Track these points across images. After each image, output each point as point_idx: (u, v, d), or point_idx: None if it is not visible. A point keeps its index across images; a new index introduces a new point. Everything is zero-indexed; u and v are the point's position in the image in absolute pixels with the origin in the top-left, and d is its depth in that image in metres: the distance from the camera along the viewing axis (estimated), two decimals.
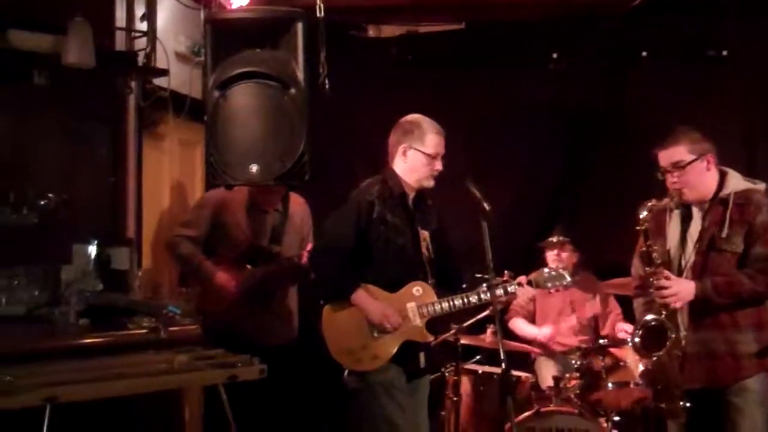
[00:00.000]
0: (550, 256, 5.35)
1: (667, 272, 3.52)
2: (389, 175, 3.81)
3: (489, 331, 4.84)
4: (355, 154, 5.53)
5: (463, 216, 3.72)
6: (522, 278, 3.80)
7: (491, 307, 3.73)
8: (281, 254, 4.52)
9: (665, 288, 3.49)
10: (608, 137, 5.70)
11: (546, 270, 3.87)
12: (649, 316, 3.54)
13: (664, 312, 3.52)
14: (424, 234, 3.83)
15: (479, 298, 3.71)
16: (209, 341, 3.69)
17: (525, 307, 5.47)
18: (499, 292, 3.70)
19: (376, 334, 3.66)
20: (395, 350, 3.67)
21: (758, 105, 5.46)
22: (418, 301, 3.70)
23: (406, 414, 3.70)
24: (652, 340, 3.51)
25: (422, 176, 3.77)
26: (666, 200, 3.61)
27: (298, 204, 4.67)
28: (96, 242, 4.06)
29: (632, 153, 5.35)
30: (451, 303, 3.71)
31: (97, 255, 4.06)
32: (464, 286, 3.80)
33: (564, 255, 5.36)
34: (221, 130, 3.56)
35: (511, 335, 5.39)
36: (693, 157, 3.55)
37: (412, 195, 3.82)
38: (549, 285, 3.85)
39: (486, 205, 3.49)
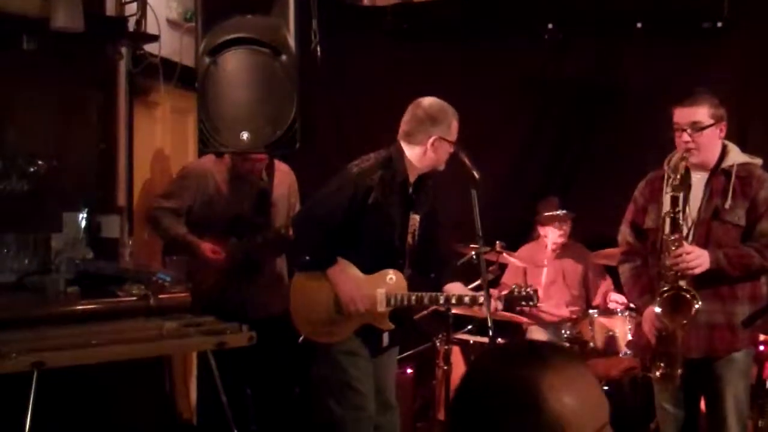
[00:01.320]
0: (551, 230, 5.33)
1: (685, 241, 3.46)
2: (397, 157, 3.72)
3: (481, 300, 4.81)
4: (348, 124, 5.50)
5: (453, 185, 3.70)
6: (493, 294, 3.76)
7: (482, 278, 3.68)
8: (268, 225, 4.51)
9: (688, 254, 3.41)
10: (603, 108, 5.66)
11: (516, 289, 3.83)
12: (681, 283, 3.45)
13: (679, 281, 3.45)
14: (415, 219, 3.81)
15: (445, 303, 3.74)
16: (200, 310, 3.69)
17: (516, 280, 5.45)
18: (466, 300, 3.73)
19: (338, 313, 3.68)
20: (352, 331, 3.71)
21: (753, 78, 5.42)
22: (389, 288, 3.69)
23: (369, 380, 3.73)
24: (671, 308, 3.47)
25: (441, 162, 3.74)
26: (665, 167, 3.56)
27: (283, 173, 4.64)
28: (86, 210, 4.04)
29: (626, 124, 5.36)
30: (420, 299, 3.72)
31: (88, 223, 4.04)
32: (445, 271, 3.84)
33: (566, 229, 5.36)
34: (212, 97, 3.54)
35: None
36: (712, 121, 3.50)
37: (413, 177, 3.78)
38: (517, 306, 3.86)
39: (476, 173, 3.48)
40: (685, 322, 3.43)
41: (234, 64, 3.49)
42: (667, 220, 3.46)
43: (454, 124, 3.69)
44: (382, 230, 3.68)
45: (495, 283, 5.36)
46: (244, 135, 3.51)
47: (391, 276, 3.71)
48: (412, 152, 3.71)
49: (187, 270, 4.38)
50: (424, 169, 3.74)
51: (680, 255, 3.41)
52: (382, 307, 3.69)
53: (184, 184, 4.49)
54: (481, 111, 5.64)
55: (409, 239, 3.78)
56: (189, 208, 4.48)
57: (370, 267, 3.70)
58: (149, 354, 3.08)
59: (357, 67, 5.28)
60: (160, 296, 3.43)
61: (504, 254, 4.95)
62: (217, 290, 4.35)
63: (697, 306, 3.40)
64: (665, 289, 3.47)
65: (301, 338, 3.78)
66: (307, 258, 3.76)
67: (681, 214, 3.47)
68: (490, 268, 4.71)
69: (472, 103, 5.61)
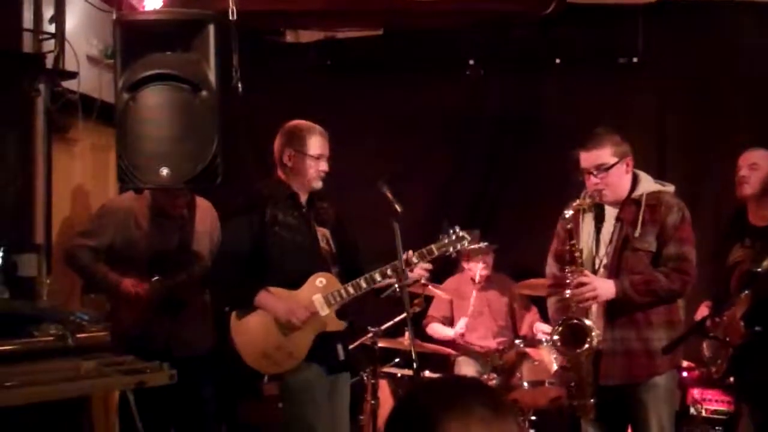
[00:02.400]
0: (474, 265, 5.40)
1: (586, 271, 3.58)
2: (278, 180, 3.85)
3: (407, 334, 4.83)
4: (272, 158, 5.50)
5: (376, 218, 3.74)
6: (408, 253, 3.76)
7: (405, 311, 3.70)
8: (191, 262, 4.47)
9: (585, 285, 3.53)
10: (524, 142, 5.81)
11: (444, 236, 3.84)
12: (570, 316, 3.58)
13: (580, 311, 3.57)
14: (323, 231, 3.86)
15: (383, 275, 3.71)
16: (121, 350, 3.63)
17: (442, 312, 5.53)
18: (411, 276, 3.75)
19: (287, 333, 3.67)
20: (310, 344, 3.68)
21: (668, 109, 5.63)
22: (323, 291, 3.70)
23: (324, 414, 3.71)
24: (570, 338, 3.57)
25: (310, 178, 3.80)
26: (578, 201, 3.67)
27: (204, 209, 4.62)
28: (2, 248, 3.95)
29: (548, 158, 5.49)
30: (356, 285, 3.73)
31: (3, 262, 3.95)
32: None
33: (489, 261, 5.44)
34: (131, 133, 3.53)
35: (430, 340, 5.44)
36: (615, 159, 3.62)
37: (304, 197, 3.85)
38: (453, 246, 3.83)
39: (397, 207, 3.54)
40: (580, 351, 3.52)
41: (153, 100, 3.50)
42: (566, 253, 3.59)
43: (314, 139, 3.79)
44: (290, 239, 3.71)
45: (421, 315, 5.42)
46: (164, 171, 3.50)
47: (321, 279, 3.73)
48: (282, 173, 3.83)
49: (107, 308, 4.32)
50: (301, 186, 3.81)
51: (578, 286, 3.53)
52: (324, 311, 3.70)
53: (104, 222, 4.43)
54: (405, 145, 5.77)
55: (324, 245, 3.82)
56: (109, 246, 4.41)
57: (296, 281, 3.70)
58: (67, 395, 3.01)
59: (280, 102, 5.30)
60: (78, 336, 3.35)
61: (429, 287, 5.00)
62: (140, 328, 4.28)
63: (594, 334, 3.50)
64: (560, 321, 3.60)
65: (264, 378, 3.73)
66: (230, 295, 3.77)
67: (578, 247, 3.58)
68: (415, 301, 4.76)
69: (396, 137, 5.75)
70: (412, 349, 3.54)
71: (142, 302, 4.31)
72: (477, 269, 5.39)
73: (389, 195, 3.61)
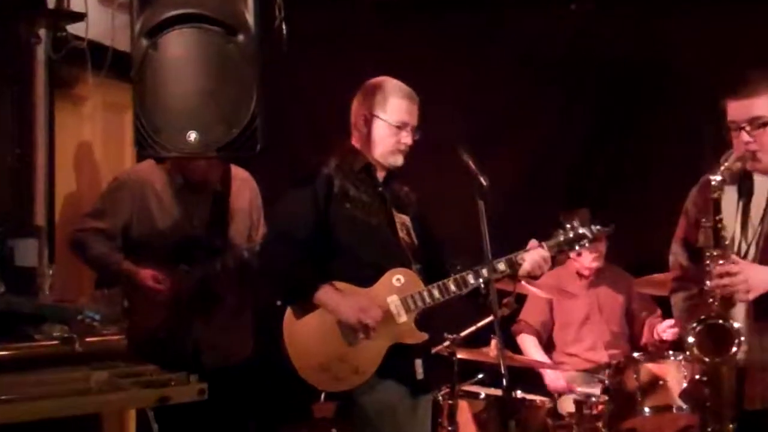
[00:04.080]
0: (583, 251, 5.35)
1: (734, 256, 3.47)
2: (348, 147, 3.87)
3: (494, 343, 4.85)
4: (325, 118, 5.51)
5: (455, 196, 3.75)
6: (532, 242, 3.82)
7: (493, 314, 3.70)
8: (226, 247, 4.54)
9: (733, 274, 3.41)
10: (646, 95, 5.74)
11: (561, 231, 3.86)
12: (709, 314, 3.46)
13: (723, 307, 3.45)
14: (402, 218, 3.88)
15: (477, 277, 3.72)
16: (139, 357, 3.70)
17: (538, 319, 5.55)
18: (501, 266, 3.75)
19: (353, 340, 3.68)
20: (381, 358, 3.69)
21: None
22: (401, 292, 3.72)
23: None
24: (709, 342, 3.46)
25: (386, 150, 3.82)
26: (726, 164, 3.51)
27: (242, 182, 4.69)
28: None
29: (676, 115, 5.41)
30: (443, 288, 3.73)
31: None
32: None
33: (602, 249, 5.40)
34: (151, 89, 3.56)
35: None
36: None
37: (382, 174, 3.88)
38: (570, 246, 3.88)
39: (483, 180, 3.51)
40: (722, 358, 3.42)
41: (178, 47, 3.53)
42: (709, 231, 3.47)
43: (397, 102, 3.80)
44: (363, 220, 3.75)
45: (511, 320, 5.42)
46: (192, 135, 3.53)
47: (398, 276, 3.75)
48: (358, 141, 3.85)
49: (124, 306, 4.39)
50: (379, 160, 3.83)
51: (725, 274, 3.42)
52: (401, 317, 3.71)
53: (118, 199, 4.52)
54: (491, 101, 5.72)
55: (404, 235, 3.84)
56: (125, 229, 4.51)
57: (367, 276, 3.73)
58: (73, 412, 3.07)
59: (333, 49, 5.32)
60: (88, 339, 3.42)
61: (522, 282, 4.97)
62: (164, 332, 4.39)
63: (739, 341, 3.39)
64: (700, 318, 3.47)
65: (321, 397, 3.89)
66: (284, 287, 3.79)
67: (723, 223, 3.46)
68: (504, 301, 4.69)
69: (479, 91, 5.69)
70: (501, 363, 3.53)
71: (166, 299, 4.41)
72: (586, 260, 5.36)
73: (471, 164, 3.58)
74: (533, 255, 3.81)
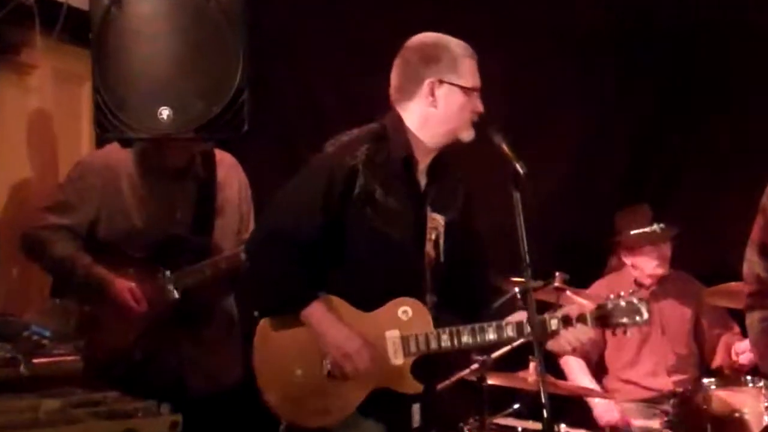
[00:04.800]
0: (642, 260, 5.39)
1: None
2: (392, 127, 3.75)
3: (532, 366, 4.79)
4: (327, 91, 5.56)
5: (486, 186, 3.74)
6: (571, 309, 3.74)
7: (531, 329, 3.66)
8: (213, 248, 4.53)
9: None
10: (723, 70, 5.73)
11: (613, 298, 3.77)
12: None
13: None
14: (436, 221, 3.81)
15: (499, 335, 3.68)
16: (101, 382, 3.68)
17: None
18: (528, 330, 3.65)
19: (332, 376, 3.66)
20: (359, 402, 3.67)
21: None
22: (405, 328, 3.67)
23: None
24: None
25: (460, 124, 3.72)
26: None
27: (229, 167, 4.67)
28: None
29: (757, 94, 5.36)
30: (454, 338, 3.68)
31: None
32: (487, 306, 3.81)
33: (666, 253, 5.37)
34: (114, 56, 3.58)
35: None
36: None
37: (426, 161, 3.79)
38: (620, 321, 3.75)
39: (520, 167, 3.47)
40: None
41: (147, 4, 3.55)
42: None
43: (467, 63, 3.72)
44: (383, 231, 3.67)
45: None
46: (164, 113, 3.55)
47: (406, 309, 3.68)
48: (409, 116, 3.73)
49: (85, 317, 4.35)
50: (436, 141, 3.75)
51: None
52: (397, 359, 3.65)
53: (83, 188, 4.49)
54: (530, 77, 5.71)
55: (429, 249, 3.77)
56: (91, 226, 4.48)
57: (370, 297, 3.68)
58: None
59: (336, 9, 5.29)
60: (36, 361, 3.42)
61: (568, 293, 4.94)
62: (140, 351, 4.38)
63: None
64: None
65: (282, 426, 3.72)
66: (271, 296, 3.75)
67: None
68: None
69: (516, 65, 5.68)
70: (542, 390, 3.50)
71: (146, 311, 4.39)
72: (647, 266, 5.33)
73: (506, 149, 3.53)
74: (577, 334, 3.70)
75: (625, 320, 3.72)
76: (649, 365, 5.41)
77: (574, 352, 4.12)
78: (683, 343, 5.45)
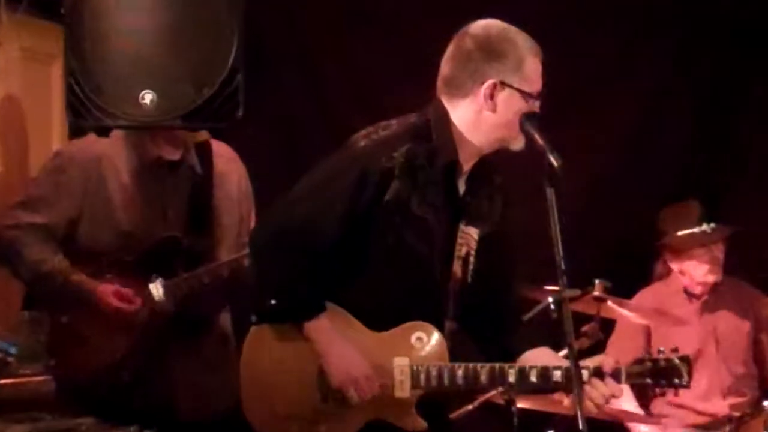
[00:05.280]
0: (692, 265, 5.37)
1: None
2: (437, 123, 3.72)
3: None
4: (331, 75, 5.53)
5: (515, 182, 3.74)
6: (604, 361, 3.70)
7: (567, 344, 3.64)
8: (212, 251, 4.54)
9: None
10: None
11: (652, 356, 3.76)
12: None
13: None
14: (468, 237, 3.79)
15: (521, 377, 3.64)
16: (74, 405, 3.67)
17: (630, 354, 5.39)
18: (557, 374, 3.63)
19: (328, 401, 3.67)
20: (357, 429, 3.69)
21: None
22: (416, 358, 3.66)
23: None
24: None
25: (513, 133, 3.68)
26: None
27: (228, 160, 4.69)
28: None
29: None
30: (470, 377, 3.65)
31: None
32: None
33: (719, 257, 5.34)
34: (90, 32, 3.55)
35: None
36: None
37: (469, 165, 3.76)
38: (657, 381, 3.75)
39: (554, 159, 3.41)
40: None
41: None
42: None
43: (533, 64, 3.68)
44: (410, 245, 3.65)
45: (593, 352, 5.34)
46: (147, 97, 3.53)
47: (420, 335, 3.68)
48: (460, 114, 3.69)
49: (60, 332, 4.34)
50: (486, 145, 3.72)
51: None
52: (403, 391, 3.64)
53: (62, 182, 4.48)
54: (566, 48, 5.66)
55: (456, 268, 3.76)
56: (71, 226, 4.47)
57: (383, 316, 3.68)
58: None
59: None
60: (1, 382, 3.43)
61: (609, 303, 4.92)
62: (127, 372, 4.36)
63: None
64: None
65: None
66: (273, 302, 3.72)
67: None
68: (584, 329, 4.70)
69: (551, 44, 5.64)
70: (579, 415, 3.47)
71: (132, 324, 4.38)
72: (697, 272, 5.30)
73: (538, 139, 3.51)
74: (603, 391, 3.64)
75: (663, 382, 3.72)
76: (701, 386, 5.37)
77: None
78: (740, 360, 5.45)
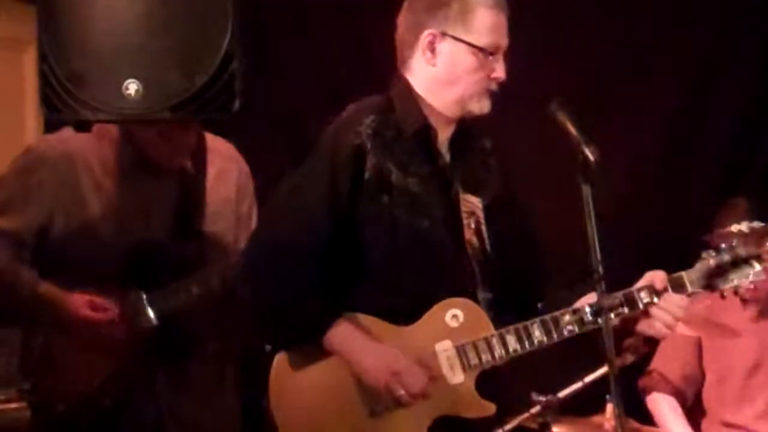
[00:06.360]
0: None
1: None
2: (399, 93, 3.78)
3: (609, 408, 4.74)
4: (335, 56, 5.53)
5: (546, 177, 3.64)
6: (656, 277, 3.70)
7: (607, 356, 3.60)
8: (201, 258, 4.50)
9: None
10: None
11: (703, 263, 3.77)
12: None
13: None
14: (472, 205, 3.80)
15: (580, 323, 3.65)
16: None
17: (679, 370, 5.48)
18: (615, 299, 3.64)
19: (378, 410, 3.63)
20: None
21: None
22: (458, 336, 3.67)
23: None
24: None
25: (470, 91, 3.71)
26: None
27: (225, 158, 4.67)
28: None
29: None
30: (524, 336, 3.66)
31: None
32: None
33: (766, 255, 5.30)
34: (67, 15, 3.55)
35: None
36: None
37: (447, 131, 3.79)
38: (721, 284, 3.77)
39: (590, 152, 3.39)
40: None
41: None
42: None
43: (484, 15, 3.68)
44: (409, 228, 3.67)
45: (637, 371, 5.37)
46: (132, 87, 3.52)
47: (455, 312, 3.68)
48: (416, 78, 3.76)
49: (35, 354, 4.33)
50: (449, 109, 3.74)
51: None
52: (456, 376, 3.65)
53: (32, 184, 4.45)
54: (603, 30, 5.69)
55: (470, 236, 3.77)
56: (42, 232, 4.43)
57: (407, 308, 3.69)
58: None
59: None
60: None
61: None
62: (109, 397, 4.32)
63: None
64: None
65: None
66: (283, 325, 3.73)
67: None
68: (627, 343, 4.63)
69: (584, 20, 5.64)
70: (617, 424, 3.46)
71: (112, 342, 4.34)
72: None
73: (573, 130, 3.47)
74: (669, 305, 3.69)
75: (733, 278, 3.75)
76: (760, 404, 5.36)
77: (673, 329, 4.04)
78: None
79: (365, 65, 3.87)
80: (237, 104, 3.53)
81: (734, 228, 5.16)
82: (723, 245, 3.76)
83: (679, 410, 5.44)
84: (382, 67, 3.87)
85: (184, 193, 4.53)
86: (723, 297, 3.88)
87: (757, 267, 3.77)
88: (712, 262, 3.75)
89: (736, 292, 3.81)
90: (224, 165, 4.64)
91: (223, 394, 4.58)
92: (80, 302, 4.29)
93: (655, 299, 3.67)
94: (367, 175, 3.63)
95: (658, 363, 5.47)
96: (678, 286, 3.70)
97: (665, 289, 3.67)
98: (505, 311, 3.74)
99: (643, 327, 3.72)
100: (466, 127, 3.81)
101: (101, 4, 3.52)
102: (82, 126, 3.69)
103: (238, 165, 4.71)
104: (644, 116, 5.75)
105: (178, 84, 3.50)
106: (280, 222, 3.74)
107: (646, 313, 3.68)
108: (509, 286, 3.82)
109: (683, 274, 3.71)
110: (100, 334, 4.29)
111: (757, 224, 5.15)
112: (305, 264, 3.62)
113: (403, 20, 3.77)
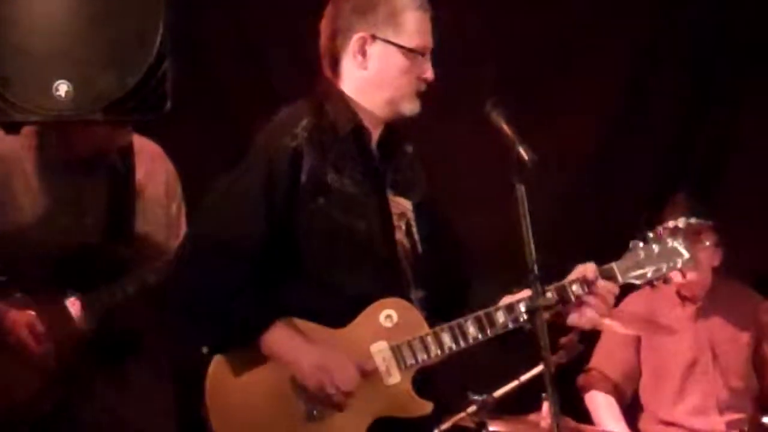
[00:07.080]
0: None
1: None
2: (329, 96, 3.79)
3: (546, 406, 4.77)
4: (273, 52, 5.53)
5: (483, 178, 3.67)
6: (587, 269, 3.71)
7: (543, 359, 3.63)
8: (136, 260, 4.50)
9: None
10: None
11: (633, 253, 3.79)
12: None
13: None
14: (401, 205, 3.82)
15: (512, 314, 3.65)
16: None
17: (617, 367, 5.55)
18: (549, 296, 3.59)
19: (315, 413, 3.63)
20: None
21: None
22: (393, 336, 3.66)
23: None
24: None
25: (401, 92, 3.74)
26: None
27: (153, 157, 4.66)
28: None
29: None
30: (459, 333, 3.66)
31: None
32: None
33: (716, 258, 5.37)
34: None
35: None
36: None
37: (376, 133, 3.81)
38: (656, 267, 3.80)
39: (524, 152, 3.43)
40: None
41: None
42: None
43: (412, 17, 3.72)
44: (345, 230, 3.67)
45: (575, 369, 5.44)
46: (62, 88, 3.49)
47: (389, 312, 3.67)
48: (346, 81, 3.78)
49: None
50: (379, 110, 3.76)
51: None
52: (393, 376, 3.65)
53: None
54: (539, 31, 5.72)
55: (401, 237, 3.79)
56: None
57: (341, 309, 3.68)
58: None
59: None
60: None
61: None
62: (48, 401, 4.35)
63: None
64: None
65: None
66: (217, 327, 3.69)
67: None
68: (563, 341, 4.68)
69: (519, 14, 5.67)
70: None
71: (48, 350, 4.34)
72: (689, 273, 5.31)
73: (507, 130, 3.51)
74: (596, 291, 3.71)
75: (662, 266, 3.79)
76: (696, 401, 5.43)
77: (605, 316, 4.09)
78: (739, 373, 5.46)
79: (299, 67, 3.87)
80: (168, 104, 3.53)
81: (671, 224, 5.24)
82: (651, 235, 3.79)
83: (617, 408, 5.48)
84: (317, 70, 3.89)
85: (115, 191, 4.52)
86: (652, 286, 3.93)
87: (686, 255, 3.80)
88: (641, 252, 3.78)
89: (665, 281, 3.85)
90: (152, 165, 4.65)
91: (161, 393, 4.58)
92: (19, 321, 4.30)
93: (587, 290, 3.70)
94: (303, 177, 3.63)
95: (597, 361, 5.51)
96: (609, 277, 3.72)
97: (596, 279, 3.70)
98: (438, 309, 3.75)
99: (573, 319, 3.74)
100: (393, 129, 3.84)
101: (26, 4, 3.52)
102: (12, 128, 3.68)
103: (165, 166, 4.70)
104: (582, 115, 5.78)
105: (110, 84, 3.45)
106: (215, 223, 3.73)
107: (577, 306, 3.71)
108: (440, 284, 3.83)
109: (613, 264, 3.74)
110: (33, 355, 4.31)
111: (694, 220, 5.25)
112: (239, 265, 3.63)
113: (327, 25, 3.79)
